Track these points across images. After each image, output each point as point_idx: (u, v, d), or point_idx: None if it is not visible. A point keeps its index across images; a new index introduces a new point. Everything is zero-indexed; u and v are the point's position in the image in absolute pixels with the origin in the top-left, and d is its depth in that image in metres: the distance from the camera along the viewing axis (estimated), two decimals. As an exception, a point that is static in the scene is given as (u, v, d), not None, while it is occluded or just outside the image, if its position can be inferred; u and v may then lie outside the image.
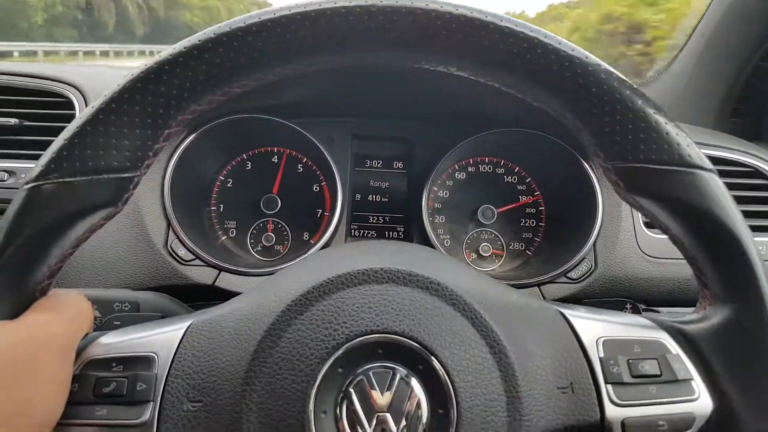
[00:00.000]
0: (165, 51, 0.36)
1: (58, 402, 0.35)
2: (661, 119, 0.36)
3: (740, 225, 0.36)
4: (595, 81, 0.36)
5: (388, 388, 0.35)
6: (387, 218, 0.89)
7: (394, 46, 0.37)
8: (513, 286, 0.74)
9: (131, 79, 0.36)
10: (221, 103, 0.38)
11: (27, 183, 0.35)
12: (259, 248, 0.85)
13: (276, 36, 0.36)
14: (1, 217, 0.73)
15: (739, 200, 0.76)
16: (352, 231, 0.88)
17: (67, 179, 0.35)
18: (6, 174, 0.74)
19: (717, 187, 0.36)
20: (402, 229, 0.89)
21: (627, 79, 0.36)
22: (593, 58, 0.36)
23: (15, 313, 0.36)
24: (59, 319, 0.37)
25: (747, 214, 0.77)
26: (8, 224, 0.35)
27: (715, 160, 0.78)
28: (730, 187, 0.76)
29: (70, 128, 0.36)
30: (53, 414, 0.35)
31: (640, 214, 0.77)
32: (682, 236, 0.38)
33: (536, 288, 0.75)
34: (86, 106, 0.77)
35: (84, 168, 0.35)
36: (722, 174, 0.77)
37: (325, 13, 0.35)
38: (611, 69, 0.36)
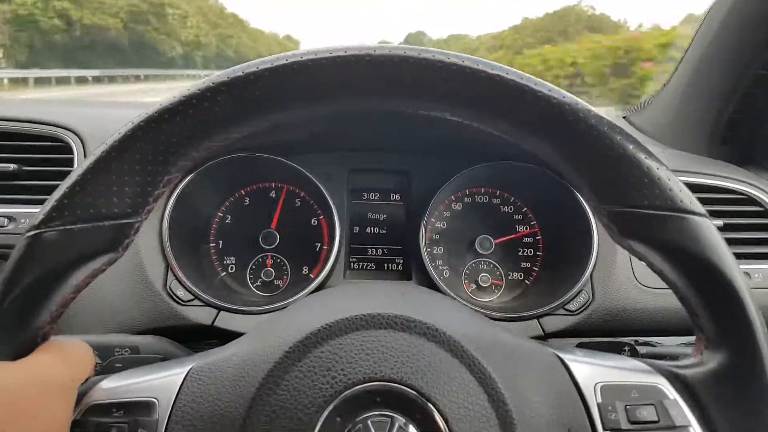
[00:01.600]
0: (165, 99, 0.37)
1: None
2: (653, 164, 0.36)
3: (734, 270, 0.36)
4: (585, 127, 0.36)
5: None
6: (386, 250, 0.89)
7: (391, 95, 0.38)
8: (512, 318, 0.75)
9: (132, 127, 0.36)
10: (220, 149, 0.39)
11: (29, 230, 0.36)
12: (258, 283, 0.85)
13: (273, 85, 0.36)
14: (3, 264, 0.73)
15: (731, 228, 0.78)
16: (351, 264, 0.89)
17: (68, 227, 0.35)
18: (6, 219, 0.75)
19: (710, 232, 0.36)
20: (401, 261, 0.89)
21: (617, 125, 0.37)
22: (583, 104, 0.37)
23: (17, 357, 0.36)
24: (60, 363, 0.37)
25: (738, 241, 0.79)
26: (10, 270, 0.35)
27: (706, 188, 0.81)
28: (722, 214, 0.79)
29: (72, 176, 0.36)
30: None
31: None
32: (676, 280, 0.38)
33: (536, 320, 0.75)
34: (83, 150, 0.78)
35: (85, 215, 0.36)
36: (714, 202, 0.79)
37: (321, 63, 0.36)
38: (601, 114, 0.37)
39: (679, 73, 0.95)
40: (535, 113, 0.37)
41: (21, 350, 0.36)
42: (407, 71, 0.36)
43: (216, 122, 0.37)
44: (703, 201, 0.37)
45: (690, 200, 0.37)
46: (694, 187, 0.81)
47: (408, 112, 0.39)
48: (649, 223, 0.37)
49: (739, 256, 0.77)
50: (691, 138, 0.94)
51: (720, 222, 0.79)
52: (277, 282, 0.86)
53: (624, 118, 1.16)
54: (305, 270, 0.86)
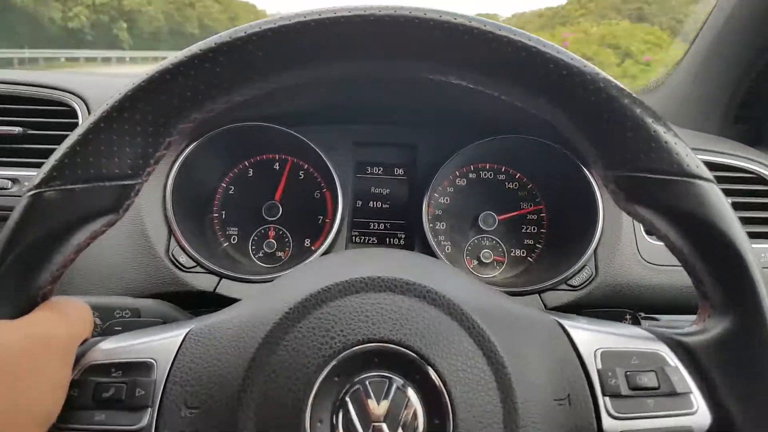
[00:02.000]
0: (167, 60, 0.36)
1: (56, 403, 0.36)
2: (660, 128, 0.36)
3: (740, 235, 0.36)
4: (593, 89, 0.36)
5: (385, 398, 0.35)
6: (388, 225, 0.89)
7: (399, 57, 0.37)
8: (514, 293, 0.75)
9: (133, 87, 0.36)
10: (222, 111, 0.38)
11: (29, 190, 0.36)
12: (260, 255, 0.86)
13: (275, 46, 0.36)
14: (4, 224, 0.74)
15: (740, 206, 0.78)
16: (353, 237, 0.89)
17: (69, 186, 0.35)
18: (9, 182, 0.75)
19: (716, 197, 0.36)
20: (403, 236, 0.89)
21: (626, 88, 0.36)
22: (591, 67, 0.36)
23: (17, 316, 0.36)
24: (60, 322, 0.37)
25: (748, 221, 0.77)
26: (10, 230, 0.35)
27: (716, 167, 0.79)
28: (732, 193, 0.77)
29: (72, 137, 0.36)
30: (50, 415, 0.35)
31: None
32: (681, 246, 0.37)
33: (537, 295, 0.75)
34: (89, 114, 0.78)
35: (85, 175, 0.36)
36: (724, 180, 0.78)
37: (324, 23, 0.36)
38: (610, 78, 0.36)
39: (692, 53, 0.94)
40: (543, 75, 0.36)
41: (21, 309, 0.37)
42: (423, 33, 0.36)
43: (218, 84, 0.36)
44: (715, 179, 0.37)
45: (696, 165, 0.36)
46: (706, 165, 0.81)
47: (419, 75, 0.38)
48: (656, 188, 0.36)
49: (750, 235, 0.76)
50: (703, 118, 0.93)
51: (728, 201, 0.77)
52: (279, 253, 0.86)
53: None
54: (307, 242, 0.86)
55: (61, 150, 0.36)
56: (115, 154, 0.36)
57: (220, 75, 0.36)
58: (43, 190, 0.35)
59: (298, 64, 0.37)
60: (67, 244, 0.37)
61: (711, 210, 0.36)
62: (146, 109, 0.36)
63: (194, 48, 0.36)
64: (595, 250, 0.75)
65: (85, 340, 0.41)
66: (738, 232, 0.36)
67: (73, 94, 0.79)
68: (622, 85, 0.36)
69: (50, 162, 0.36)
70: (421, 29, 0.36)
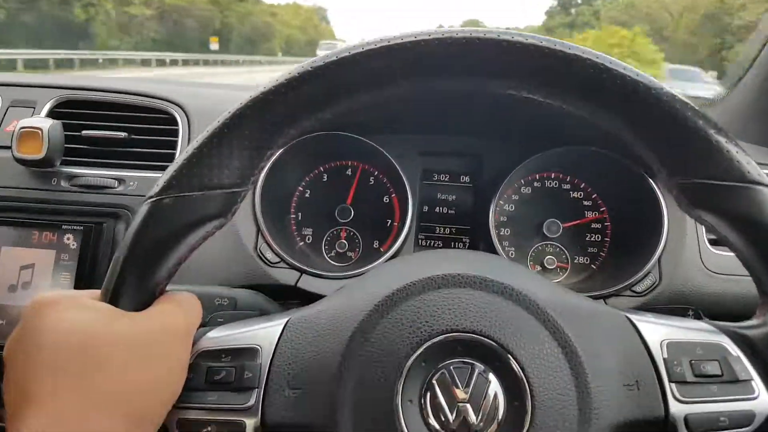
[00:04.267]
0: (269, 81, 0.41)
1: (179, 383, 0.40)
2: (722, 138, 0.38)
3: None
4: (658, 103, 0.38)
5: (467, 382, 0.38)
6: (453, 229, 0.93)
7: (476, 75, 0.41)
8: None
9: (241, 107, 0.40)
10: (313, 127, 0.43)
11: (150, 197, 0.40)
12: (332, 254, 0.91)
13: (362, 69, 0.40)
14: (111, 221, 0.81)
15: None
16: (420, 241, 0.93)
17: (185, 194, 0.40)
18: (116, 182, 0.83)
19: None
20: (467, 240, 0.93)
21: (688, 101, 0.39)
22: (656, 82, 0.38)
23: (140, 308, 0.41)
24: (179, 312, 0.42)
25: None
26: (134, 233, 0.40)
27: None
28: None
29: (188, 150, 0.41)
30: (175, 394, 0.40)
31: (704, 231, 0.79)
32: (742, 247, 0.40)
33: (602, 300, 0.78)
34: (188, 123, 0.86)
35: (200, 184, 0.40)
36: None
37: (405, 46, 0.39)
38: (672, 92, 0.39)
39: (757, 66, 0.95)
40: (610, 91, 0.39)
41: (143, 302, 0.41)
42: (501, 53, 0.39)
43: (313, 104, 0.40)
44: None
45: (757, 172, 0.38)
46: None
47: (497, 92, 0.41)
48: (718, 194, 0.38)
49: None
50: (762, 132, 0.94)
51: None
52: (350, 254, 0.91)
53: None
54: (376, 244, 0.91)
55: (177, 162, 0.40)
56: (225, 166, 0.40)
57: (314, 96, 0.40)
58: (162, 197, 0.40)
59: (382, 85, 0.40)
60: (182, 245, 0.41)
61: None
62: (252, 127, 0.40)
63: (293, 71, 0.40)
64: (659, 258, 0.77)
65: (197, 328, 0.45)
66: None
67: (174, 103, 0.87)
68: (685, 99, 0.39)
69: (168, 172, 0.40)
70: (507, 51, 0.39)
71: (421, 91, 0.42)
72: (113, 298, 0.40)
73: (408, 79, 0.40)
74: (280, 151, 0.84)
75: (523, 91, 0.41)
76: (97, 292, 0.41)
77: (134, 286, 0.41)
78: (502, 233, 0.90)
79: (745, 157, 0.38)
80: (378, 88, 0.41)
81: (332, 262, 0.91)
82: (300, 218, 0.92)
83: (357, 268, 0.83)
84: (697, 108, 0.39)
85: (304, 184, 0.93)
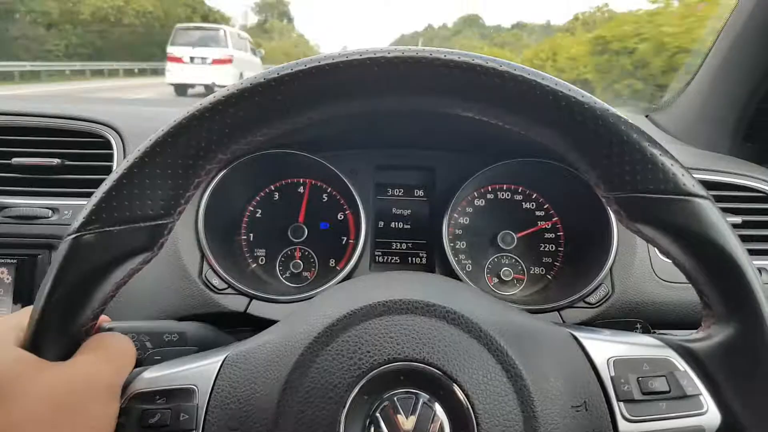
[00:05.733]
0: (192, 106, 0.39)
1: None
2: (656, 151, 0.38)
3: (737, 247, 0.38)
4: (590, 117, 0.38)
5: (412, 413, 0.37)
6: (410, 244, 0.92)
7: (409, 95, 0.40)
8: (534, 311, 0.78)
9: (162, 134, 0.38)
10: (246, 151, 0.41)
11: (69, 234, 0.38)
12: (287, 275, 0.89)
13: (292, 90, 0.38)
14: (47, 253, 0.77)
15: (750, 225, 0.80)
16: (376, 257, 0.92)
17: (107, 229, 0.38)
18: (50, 211, 0.79)
19: (712, 213, 0.38)
20: (424, 255, 0.91)
21: (622, 115, 0.39)
22: (589, 96, 0.39)
23: (65, 355, 0.39)
24: (106, 360, 0.40)
25: (755, 238, 0.80)
26: (54, 273, 0.38)
27: (724, 186, 0.82)
28: (741, 212, 0.80)
29: (108, 181, 0.39)
30: None
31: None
32: (683, 260, 0.40)
33: (556, 313, 0.78)
34: (123, 146, 0.82)
35: (122, 218, 0.38)
36: (732, 199, 0.81)
37: (338, 66, 0.38)
38: (606, 106, 0.39)
39: (703, 72, 0.97)
40: (543, 106, 0.38)
41: (67, 348, 0.39)
42: (429, 72, 0.38)
43: (240, 126, 0.39)
44: (722, 198, 0.39)
45: (692, 183, 0.38)
46: (713, 185, 0.85)
47: (436, 110, 0.41)
48: (655, 207, 0.39)
49: (757, 252, 0.79)
50: (713, 136, 0.95)
51: (738, 219, 0.80)
52: (306, 274, 0.89)
53: (646, 116, 1.17)
54: (332, 262, 0.89)
55: (97, 195, 0.38)
56: (147, 197, 0.38)
57: (241, 119, 0.38)
58: (82, 233, 0.38)
59: (308, 108, 0.39)
60: (107, 282, 0.39)
61: (708, 225, 0.38)
62: (175, 154, 0.38)
63: (218, 95, 0.39)
64: (611, 269, 0.78)
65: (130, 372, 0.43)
66: (735, 244, 0.38)
67: (108, 126, 0.83)
68: (618, 113, 0.39)
69: (88, 207, 0.38)
70: (440, 69, 0.38)
71: (362, 110, 0.41)
72: (34, 347, 0.38)
73: (335, 102, 0.39)
74: (224, 171, 0.82)
75: (457, 108, 0.40)
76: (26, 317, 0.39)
77: (56, 333, 0.39)
78: (457, 246, 0.89)
79: (680, 169, 0.38)
80: (310, 109, 0.39)
81: (288, 283, 0.88)
82: (252, 239, 0.90)
83: (314, 288, 0.81)
84: (630, 121, 0.39)
85: (254, 203, 0.90)
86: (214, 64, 13.00)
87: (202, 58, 13.09)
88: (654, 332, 0.71)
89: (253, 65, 14.65)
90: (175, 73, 13.09)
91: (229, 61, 13.26)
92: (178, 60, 13.11)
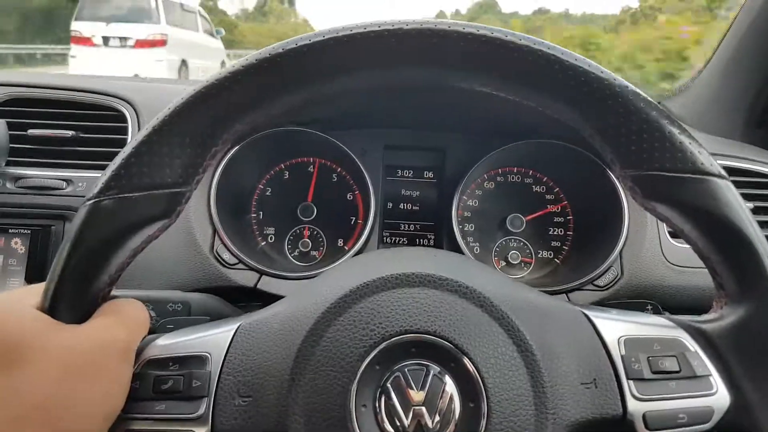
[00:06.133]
0: (211, 75, 0.39)
1: (120, 397, 0.38)
2: (675, 129, 0.38)
3: (752, 228, 0.38)
4: (610, 94, 0.38)
5: (423, 384, 0.37)
6: (418, 226, 0.92)
7: (425, 67, 0.40)
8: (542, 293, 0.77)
9: (181, 103, 0.39)
10: (263, 123, 0.41)
11: (88, 199, 0.38)
12: (296, 254, 0.89)
13: (312, 60, 0.38)
14: (61, 223, 0.78)
15: (759, 210, 0.79)
16: (384, 238, 0.92)
17: (125, 195, 0.38)
18: (64, 182, 0.79)
19: (729, 192, 0.38)
20: (432, 237, 0.92)
21: (641, 92, 0.38)
22: (608, 73, 0.38)
23: (80, 318, 0.39)
24: (121, 324, 0.40)
25: (766, 224, 0.79)
26: (72, 238, 0.38)
27: (737, 171, 0.82)
28: (751, 197, 0.79)
29: (127, 148, 0.39)
30: (115, 408, 0.38)
31: (665, 224, 0.80)
32: (697, 239, 0.40)
33: (564, 295, 0.78)
34: (137, 119, 0.82)
35: (140, 184, 0.38)
36: (745, 185, 0.81)
37: (355, 37, 0.38)
38: (625, 82, 0.38)
39: (716, 58, 0.96)
40: (561, 81, 0.38)
41: (83, 312, 0.39)
42: (448, 44, 0.38)
43: (259, 97, 0.39)
44: (735, 184, 0.39)
45: (710, 162, 0.38)
46: (726, 171, 0.83)
47: (449, 85, 0.41)
48: (671, 185, 0.38)
49: None
50: (726, 123, 0.95)
51: (750, 205, 0.79)
52: (314, 253, 0.89)
53: (659, 103, 1.15)
54: (340, 242, 0.89)
55: (117, 161, 0.39)
56: (166, 165, 0.39)
57: (260, 89, 0.39)
58: (101, 198, 0.38)
59: (332, 77, 0.39)
60: (124, 249, 0.39)
61: (723, 204, 0.38)
62: (193, 123, 0.39)
63: (237, 64, 0.39)
64: (620, 252, 0.78)
65: (144, 337, 0.43)
66: (749, 224, 0.38)
67: (123, 99, 0.83)
68: (638, 90, 0.38)
69: (107, 172, 0.39)
70: (458, 41, 0.38)
71: (378, 83, 0.41)
72: (51, 309, 0.38)
73: (362, 71, 0.39)
74: (236, 147, 0.82)
75: (474, 83, 0.40)
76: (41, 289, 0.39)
77: (72, 297, 0.39)
78: (466, 229, 0.89)
79: (699, 148, 0.38)
80: (329, 80, 0.39)
81: (296, 262, 0.89)
82: (261, 217, 0.90)
83: (321, 267, 0.81)
84: (649, 98, 0.38)
85: (264, 181, 0.91)
86: (138, 48, 8.40)
87: (122, 39, 8.38)
88: (665, 313, 0.72)
89: (207, 50, 10.18)
90: (81, 61, 8.32)
91: (161, 42, 8.47)
92: (86, 41, 8.41)
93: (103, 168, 0.79)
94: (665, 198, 0.39)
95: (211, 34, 10.75)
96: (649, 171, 0.39)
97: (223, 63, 10.56)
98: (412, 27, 0.38)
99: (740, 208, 0.38)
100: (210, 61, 9.99)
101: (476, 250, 0.89)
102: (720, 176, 0.38)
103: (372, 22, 0.39)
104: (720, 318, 0.40)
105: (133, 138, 0.39)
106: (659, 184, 0.39)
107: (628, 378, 0.40)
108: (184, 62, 8.94)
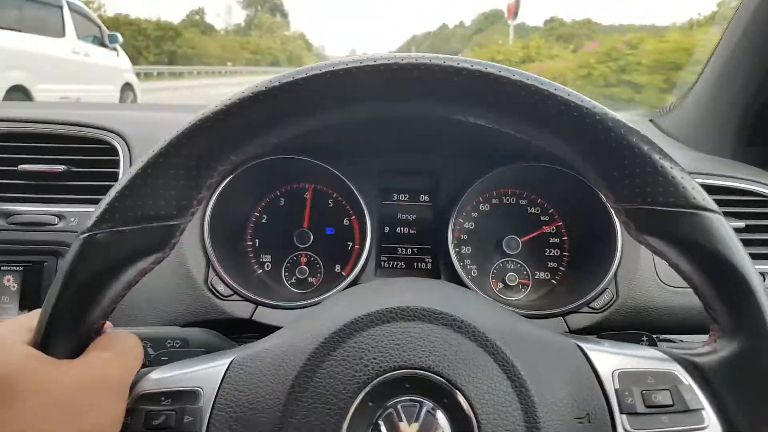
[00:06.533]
0: (207, 108, 0.39)
1: None
2: (667, 164, 0.38)
3: (744, 262, 0.38)
4: (603, 129, 0.38)
5: (415, 420, 0.37)
6: (415, 249, 0.92)
7: (420, 100, 0.40)
8: (538, 315, 0.78)
9: (176, 135, 0.39)
10: (258, 153, 0.41)
11: (82, 233, 0.38)
12: (293, 281, 0.89)
13: (307, 93, 0.39)
14: (53, 259, 0.77)
15: (751, 229, 0.80)
16: (382, 263, 0.92)
17: (119, 228, 0.38)
18: (56, 218, 0.79)
19: (722, 227, 0.38)
20: (430, 260, 0.92)
21: (633, 127, 0.39)
22: (600, 107, 0.39)
23: (74, 353, 0.39)
24: (115, 359, 0.40)
25: (759, 242, 0.80)
26: (65, 271, 0.38)
27: (727, 190, 0.83)
28: (744, 216, 0.80)
29: (121, 181, 0.39)
30: None
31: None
32: (690, 273, 0.40)
33: (561, 318, 0.78)
34: (129, 152, 0.82)
35: (134, 217, 0.38)
36: (736, 204, 0.81)
37: (351, 71, 0.39)
38: (617, 117, 0.39)
39: (706, 75, 0.97)
40: (554, 116, 0.38)
41: (76, 346, 0.39)
42: (444, 79, 0.38)
43: (253, 129, 0.39)
44: (725, 203, 0.39)
45: (702, 197, 0.38)
46: (717, 189, 0.85)
47: (440, 115, 0.41)
48: (664, 219, 0.39)
49: (760, 256, 0.79)
50: (716, 141, 0.96)
51: (741, 223, 0.80)
52: (311, 279, 0.89)
53: (651, 121, 1.17)
54: (338, 268, 0.89)
55: (110, 194, 0.39)
56: (160, 197, 0.39)
57: (255, 121, 0.39)
58: (95, 232, 0.38)
59: (324, 110, 0.40)
60: (118, 282, 0.39)
61: (716, 239, 0.38)
62: (189, 155, 0.39)
63: (233, 97, 0.39)
64: (615, 273, 0.78)
65: (137, 371, 0.43)
66: (743, 259, 0.38)
67: (114, 132, 0.83)
68: (630, 124, 0.39)
69: (101, 206, 0.39)
70: (447, 75, 0.38)
71: (368, 115, 0.41)
72: (43, 345, 0.38)
73: (349, 105, 0.40)
74: (230, 177, 0.82)
75: (469, 116, 0.40)
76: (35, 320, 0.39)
77: (65, 331, 0.38)
78: (462, 251, 0.89)
79: (690, 182, 0.38)
80: (323, 113, 0.39)
81: (293, 289, 0.88)
82: (257, 245, 0.90)
83: (318, 294, 0.81)
84: (641, 133, 0.39)
85: (260, 209, 0.91)
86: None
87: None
88: (658, 337, 0.72)
89: (83, 68, 6.34)
90: None
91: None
92: None
93: (95, 202, 0.79)
94: (658, 232, 0.39)
95: (102, 44, 7.15)
96: (642, 205, 0.39)
97: (126, 86, 7.57)
98: (407, 62, 0.38)
99: (733, 243, 0.38)
100: (91, 84, 6.43)
101: (473, 273, 0.89)
102: (712, 210, 0.38)
103: (368, 56, 0.39)
104: (714, 351, 0.41)
105: (127, 171, 0.39)
106: (652, 218, 0.39)
107: (621, 412, 0.40)
108: (19, 88, 5.08)
